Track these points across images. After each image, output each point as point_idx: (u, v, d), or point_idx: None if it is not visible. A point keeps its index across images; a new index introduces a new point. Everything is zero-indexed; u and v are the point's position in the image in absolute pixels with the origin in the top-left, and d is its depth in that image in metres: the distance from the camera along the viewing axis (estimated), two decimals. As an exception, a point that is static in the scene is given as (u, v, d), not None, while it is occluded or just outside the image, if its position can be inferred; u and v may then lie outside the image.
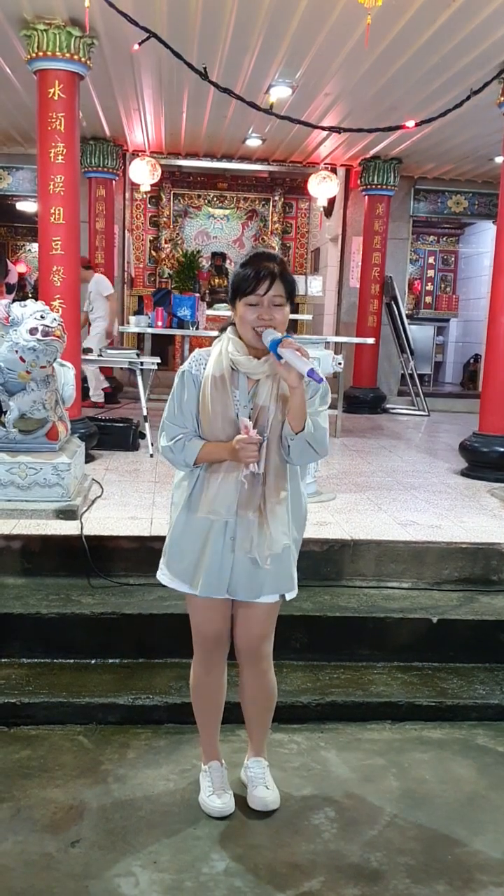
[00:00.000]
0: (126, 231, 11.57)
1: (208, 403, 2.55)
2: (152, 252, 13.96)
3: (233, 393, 2.55)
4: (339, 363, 5.86)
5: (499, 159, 7.85)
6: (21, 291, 14.01)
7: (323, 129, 6.67)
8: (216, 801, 2.83)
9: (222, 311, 10.90)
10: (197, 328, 8.65)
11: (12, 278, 7.67)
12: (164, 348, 12.12)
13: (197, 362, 2.62)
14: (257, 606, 2.70)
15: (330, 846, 2.70)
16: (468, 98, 5.62)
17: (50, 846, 2.64)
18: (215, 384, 2.54)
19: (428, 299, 15.29)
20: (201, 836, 2.71)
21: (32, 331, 4.38)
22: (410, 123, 5.82)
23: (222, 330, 2.69)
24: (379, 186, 10.17)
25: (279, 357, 2.41)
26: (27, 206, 12.82)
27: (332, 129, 6.81)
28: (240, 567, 2.61)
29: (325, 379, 2.49)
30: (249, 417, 2.53)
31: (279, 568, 2.65)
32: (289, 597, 2.76)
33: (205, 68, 5.38)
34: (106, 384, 9.37)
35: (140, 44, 4.97)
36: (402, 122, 6.21)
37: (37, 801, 2.89)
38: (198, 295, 9.79)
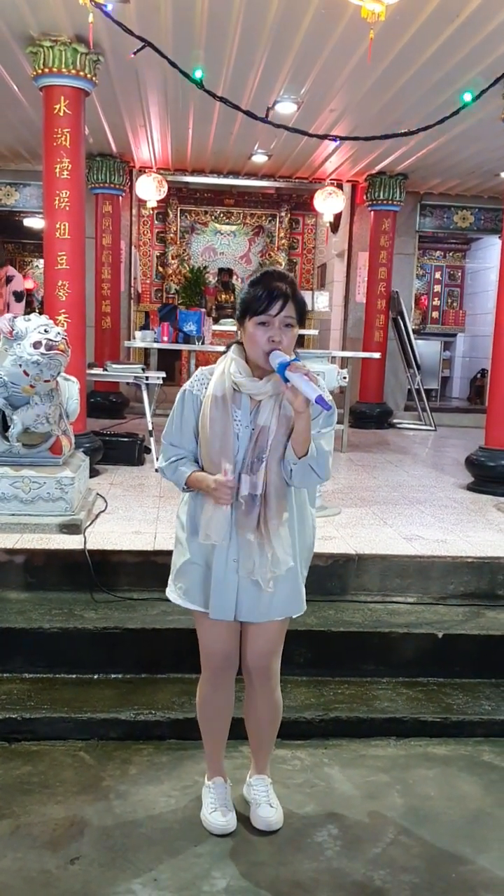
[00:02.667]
0: (133, 247, 11.61)
1: (207, 424, 2.52)
2: (159, 268, 14.03)
3: (234, 413, 2.51)
4: (344, 377, 5.86)
5: (504, 174, 7.90)
6: (28, 307, 14.06)
7: (320, 137, 6.68)
8: (219, 818, 2.79)
9: (228, 326, 10.90)
10: (203, 343, 8.66)
11: (17, 286, 7.64)
12: (171, 363, 12.12)
13: (199, 382, 2.60)
14: (266, 624, 2.67)
15: (333, 864, 2.66)
16: (464, 106, 5.64)
17: (49, 863, 2.61)
18: (216, 404, 2.51)
19: (435, 314, 15.27)
20: (202, 854, 2.68)
21: (36, 345, 4.39)
22: (406, 129, 5.85)
23: (227, 348, 2.65)
24: (385, 202, 10.18)
25: (286, 380, 2.35)
26: (34, 223, 12.86)
27: (329, 138, 6.82)
28: (244, 590, 2.58)
29: (333, 405, 2.44)
30: (250, 437, 2.51)
31: (284, 589, 2.62)
32: (295, 615, 2.74)
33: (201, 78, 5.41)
34: None
35: (135, 52, 5.00)
36: (403, 133, 6.21)
37: (37, 817, 2.86)
38: (203, 310, 9.80)
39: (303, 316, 2.53)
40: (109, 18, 4.71)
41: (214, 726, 2.86)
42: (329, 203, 10.49)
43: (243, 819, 2.84)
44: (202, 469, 2.57)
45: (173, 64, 5.09)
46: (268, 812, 2.83)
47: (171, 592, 2.75)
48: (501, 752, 3.45)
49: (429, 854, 2.74)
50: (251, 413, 2.52)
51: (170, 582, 2.76)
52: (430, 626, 4.08)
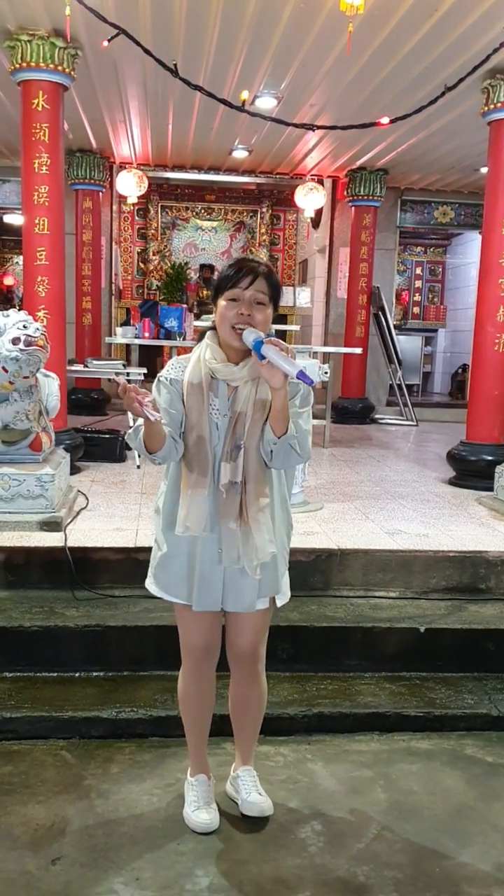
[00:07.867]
0: (113, 243, 11.55)
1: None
2: (140, 264, 13.97)
3: (211, 401, 2.49)
4: (326, 372, 5.85)
5: (484, 169, 7.88)
6: (9, 304, 13.97)
7: (296, 126, 6.60)
8: (202, 815, 2.77)
9: (210, 321, 10.87)
10: (184, 339, 8.63)
11: None
12: (152, 360, 12.09)
13: (175, 368, 2.58)
14: (252, 613, 2.65)
15: (316, 860, 2.65)
16: (442, 94, 5.67)
17: (30, 864, 2.58)
18: (192, 391, 2.49)
19: (416, 310, 15.31)
20: (185, 852, 2.66)
21: (15, 341, 4.34)
22: (385, 120, 5.84)
23: (201, 336, 2.64)
24: (365, 197, 10.18)
25: (262, 357, 2.30)
26: (14, 219, 12.77)
27: (307, 126, 6.78)
28: (230, 578, 2.56)
29: (314, 380, 2.41)
30: (228, 425, 2.48)
31: (268, 575, 2.61)
32: (280, 602, 2.72)
33: (175, 65, 5.35)
34: None
35: (110, 40, 4.96)
36: (385, 132, 6.19)
37: (17, 817, 2.83)
38: (185, 306, 9.77)
39: (276, 297, 2.50)
40: (81, 4, 4.67)
41: (197, 719, 2.84)
42: (310, 199, 10.47)
43: (226, 816, 2.82)
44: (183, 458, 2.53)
45: (147, 52, 5.06)
46: (258, 799, 2.82)
47: (151, 585, 2.70)
48: (484, 746, 3.45)
49: (412, 849, 2.73)
50: (228, 400, 2.49)
51: (149, 574, 2.72)
52: (413, 620, 4.08)
